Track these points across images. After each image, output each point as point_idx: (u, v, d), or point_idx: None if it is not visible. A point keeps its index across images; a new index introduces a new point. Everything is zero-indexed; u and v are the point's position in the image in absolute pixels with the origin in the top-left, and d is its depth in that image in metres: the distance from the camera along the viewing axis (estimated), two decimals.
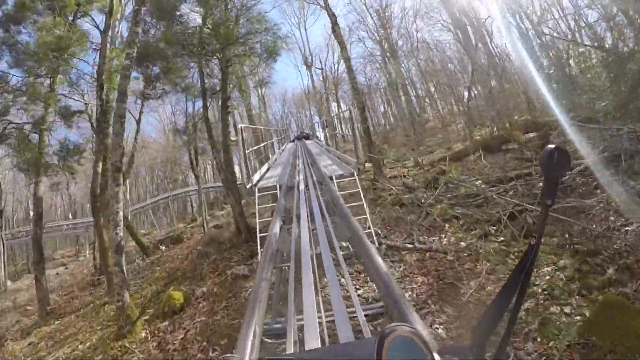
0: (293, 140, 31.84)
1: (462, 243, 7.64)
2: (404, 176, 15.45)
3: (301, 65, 43.96)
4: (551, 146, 0.80)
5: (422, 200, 10.41)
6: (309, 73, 41.23)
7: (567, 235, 6.55)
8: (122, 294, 7.84)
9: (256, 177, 9.14)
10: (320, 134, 36.25)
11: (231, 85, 14.39)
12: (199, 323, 7.25)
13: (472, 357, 0.91)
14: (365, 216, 7.11)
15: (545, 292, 5.26)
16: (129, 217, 30.99)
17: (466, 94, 30.78)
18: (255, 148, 15.61)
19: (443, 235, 8.30)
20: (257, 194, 8.00)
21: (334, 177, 7.82)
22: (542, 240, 1.36)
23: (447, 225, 8.89)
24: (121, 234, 7.93)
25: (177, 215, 39.32)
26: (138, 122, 21.76)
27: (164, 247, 18.25)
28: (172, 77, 13.99)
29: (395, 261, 7.55)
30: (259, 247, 7.06)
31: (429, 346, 0.75)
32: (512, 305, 0.92)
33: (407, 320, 1.43)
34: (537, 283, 5.49)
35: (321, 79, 42.32)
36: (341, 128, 44.80)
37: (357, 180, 7.95)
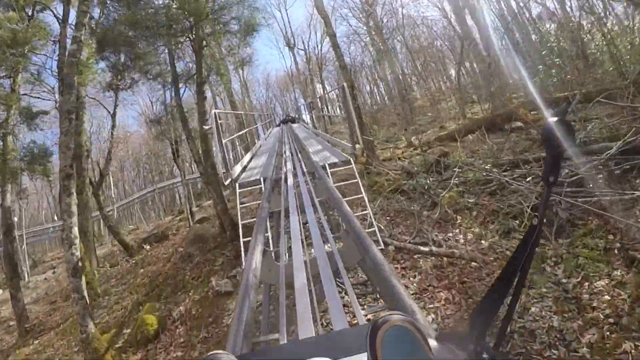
0: (278, 125, 30.46)
1: (482, 242, 6.36)
2: (399, 158, 14.22)
3: (283, 46, 42.27)
4: (553, 119, 0.72)
5: (426, 187, 9.14)
6: (291, 54, 39.66)
7: (611, 237, 5.26)
8: (85, 324, 6.48)
9: (237, 169, 7.79)
10: (306, 116, 34.79)
11: (208, 69, 12.87)
12: None
13: (471, 344, 0.85)
14: (366, 211, 5.84)
15: (610, 320, 3.96)
16: (115, 215, 29.68)
17: (454, 71, 29.55)
18: (236, 135, 14.14)
19: (457, 231, 7.02)
20: (238, 190, 6.65)
21: (327, 166, 6.54)
22: (545, 220, 1.05)
23: (459, 217, 7.64)
24: (77, 253, 6.53)
25: (166, 207, 37.80)
26: (113, 115, 20.21)
27: (148, 247, 16.86)
28: (140, 63, 12.36)
29: (407, 268, 6.26)
30: (243, 256, 5.69)
31: (424, 335, 0.75)
32: (513, 290, 0.84)
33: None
34: (594, 305, 4.21)
35: (304, 60, 40.66)
36: (328, 109, 43.32)
37: (355, 168, 6.61)
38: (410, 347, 0.73)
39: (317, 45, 41.15)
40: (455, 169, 9.41)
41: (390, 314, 0.79)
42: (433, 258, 6.25)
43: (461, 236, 6.74)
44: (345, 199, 4.06)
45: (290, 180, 5.62)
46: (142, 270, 14.16)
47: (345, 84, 6.48)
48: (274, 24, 36.79)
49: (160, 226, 20.38)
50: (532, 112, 11.70)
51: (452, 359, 0.89)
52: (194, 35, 10.53)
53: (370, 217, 5.63)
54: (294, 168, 6.75)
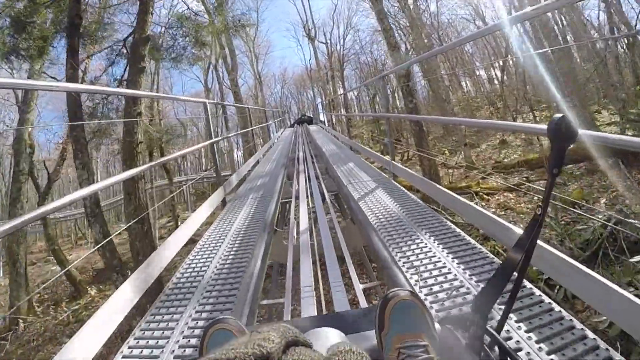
0: (292, 125, 24.65)
1: None
2: (483, 195, 8.41)
3: (302, 37, 36.24)
4: (558, 115, 0.72)
5: None
6: (311, 47, 33.35)
7: None
8: None
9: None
10: (323, 116, 28.61)
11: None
12: None
13: (472, 328, 0.85)
14: None
15: None
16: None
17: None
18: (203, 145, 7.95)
19: None
20: None
21: None
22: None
23: None
24: None
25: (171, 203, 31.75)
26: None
27: (94, 292, 11.02)
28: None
29: None
30: None
31: (429, 312, 0.79)
32: (516, 276, 0.82)
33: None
34: None
35: (326, 55, 34.49)
36: (346, 110, 37.14)
37: None
38: (415, 321, 0.76)
39: (340, 40, 35.13)
40: None
41: (400, 290, 0.82)
42: None
43: None
44: None
45: None
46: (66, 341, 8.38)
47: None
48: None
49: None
50: None
51: (454, 340, 0.88)
52: None
53: None
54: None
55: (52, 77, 12.59)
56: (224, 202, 3.92)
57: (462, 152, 14.94)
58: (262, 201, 3.72)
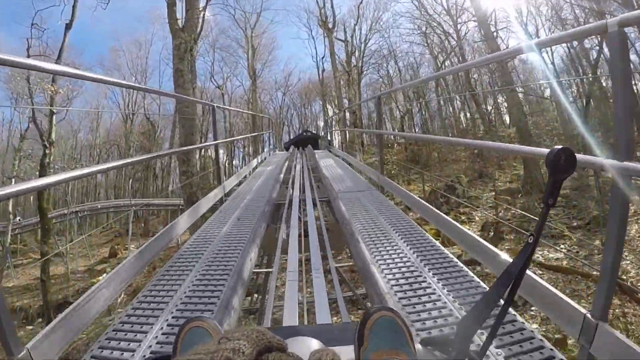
0: (287, 147, 22.69)
1: None
2: None
3: (315, 28, 36.32)
4: (558, 147, 0.85)
5: None
6: (327, 39, 32.83)
7: None
8: None
9: None
10: (332, 136, 28.00)
11: None
12: None
13: (454, 351, 0.97)
14: None
15: None
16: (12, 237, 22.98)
17: None
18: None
19: None
20: None
21: None
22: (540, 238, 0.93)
23: None
24: None
25: (120, 227, 31.72)
26: None
27: None
28: None
29: None
30: None
31: (410, 330, 0.94)
32: (503, 301, 0.94)
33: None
34: None
35: (344, 59, 34.34)
36: (361, 123, 37.07)
37: None
38: (395, 338, 0.90)
39: (361, 46, 35.39)
40: None
41: (382, 306, 0.98)
42: None
43: None
44: None
45: None
46: None
47: None
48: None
49: None
50: None
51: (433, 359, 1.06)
52: None
53: None
54: None
55: None
56: None
57: None
58: None
